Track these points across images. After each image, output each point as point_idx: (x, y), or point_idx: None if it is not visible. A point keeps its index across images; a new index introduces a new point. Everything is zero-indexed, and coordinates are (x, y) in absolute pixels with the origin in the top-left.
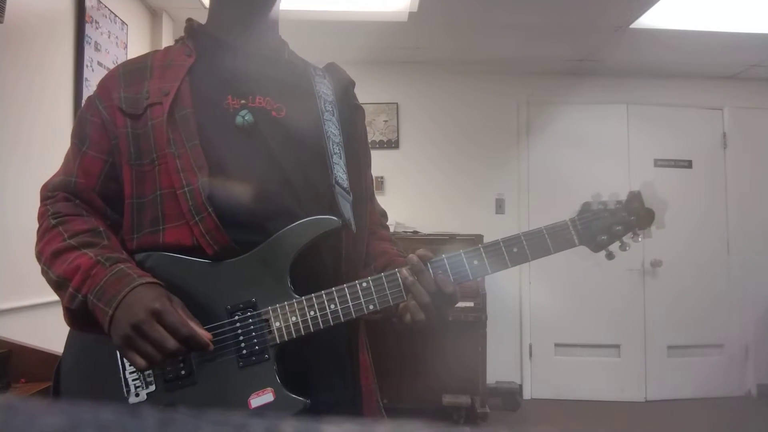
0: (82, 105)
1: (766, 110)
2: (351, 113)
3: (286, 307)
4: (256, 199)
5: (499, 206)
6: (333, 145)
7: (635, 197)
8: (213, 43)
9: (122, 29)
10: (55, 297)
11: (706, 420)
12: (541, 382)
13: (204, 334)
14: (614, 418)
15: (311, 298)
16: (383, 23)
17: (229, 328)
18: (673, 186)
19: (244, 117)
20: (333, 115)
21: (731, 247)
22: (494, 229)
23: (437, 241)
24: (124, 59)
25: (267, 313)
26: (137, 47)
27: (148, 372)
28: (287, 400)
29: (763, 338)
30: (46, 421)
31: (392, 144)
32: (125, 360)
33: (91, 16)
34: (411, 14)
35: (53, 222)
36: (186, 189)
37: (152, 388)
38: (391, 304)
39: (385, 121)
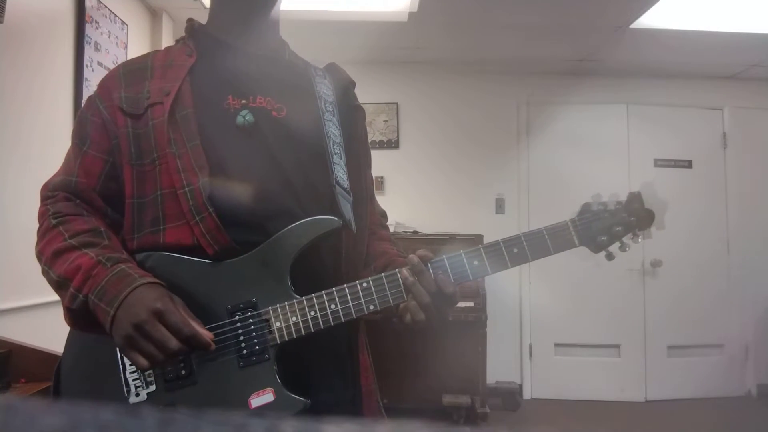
0: (83, 105)
1: (766, 110)
2: (351, 113)
3: (287, 307)
4: (257, 199)
5: (499, 206)
6: (333, 145)
7: (635, 198)
8: (214, 44)
9: (122, 29)
10: (55, 297)
11: (706, 420)
12: (541, 382)
13: (206, 334)
14: (614, 418)
15: (312, 298)
16: (383, 23)
17: (230, 328)
18: (673, 186)
19: (245, 117)
20: (333, 116)
21: (731, 247)
22: (494, 229)
23: (437, 241)
24: (124, 59)
25: (267, 313)
26: (137, 47)
27: (148, 372)
28: (287, 400)
29: (763, 338)
30: (46, 421)
31: (392, 144)
32: (126, 360)
33: (91, 16)
34: (411, 14)
35: (54, 222)
36: (187, 189)
37: (152, 387)
38: (392, 304)
39: (385, 121)
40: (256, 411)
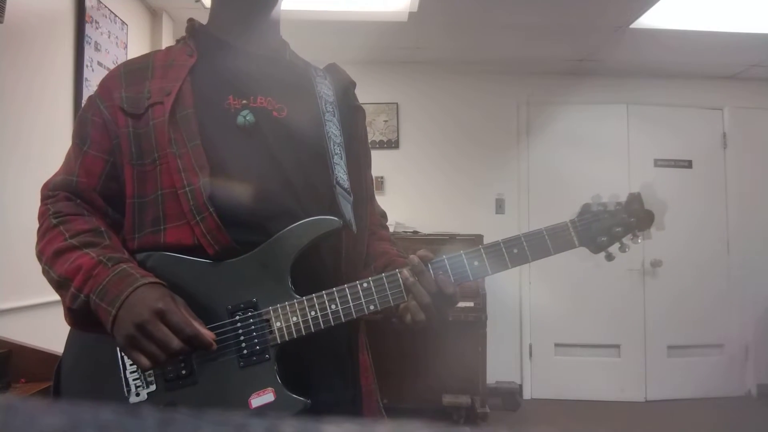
0: (83, 105)
1: (766, 110)
2: (351, 114)
3: (287, 307)
4: (257, 199)
5: (499, 206)
6: (334, 145)
7: (635, 199)
8: (214, 44)
9: (122, 29)
10: (55, 297)
11: (706, 420)
12: (541, 382)
13: (208, 334)
14: (614, 418)
15: (312, 298)
16: (383, 23)
17: (230, 328)
18: (673, 186)
19: (246, 117)
20: (334, 116)
21: (731, 247)
22: (494, 229)
23: (437, 241)
24: (124, 59)
25: (268, 313)
26: (137, 47)
27: (148, 372)
28: (288, 400)
29: (763, 338)
30: (46, 421)
31: (392, 144)
32: (127, 359)
33: (91, 16)
34: (411, 14)
35: (54, 221)
36: (187, 189)
37: (153, 387)
38: (392, 304)
39: (385, 121)
40: (256, 411)
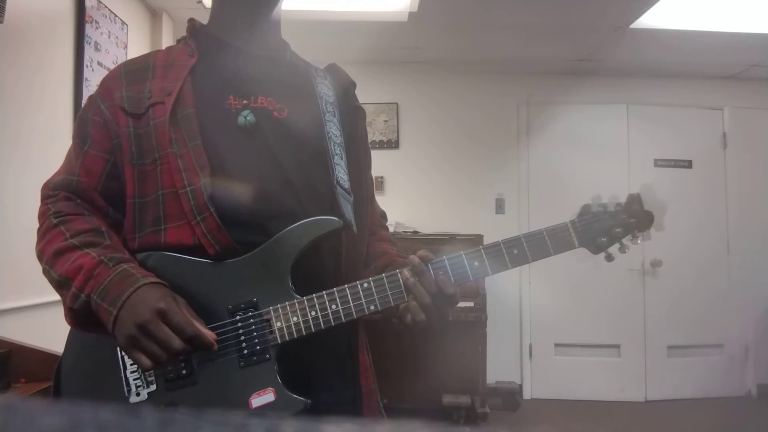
0: (84, 104)
1: (766, 110)
2: (352, 114)
3: (288, 307)
4: (258, 199)
5: (499, 206)
6: (334, 145)
7: (635, 200)
8: (215, 44)
9: (122, 29)
10: (55, 297)
11: (706, 420)
12: (541, 382)
13: (209, 334)
14: (614, 418)
15: (312, 298)
16: (383, 23)
17: (231, 328)
18: (673, 186)
19: (246, 117)
20: (334, 116)
21: (731, 247)
22: (494, 229)
23: (437, 241)
24: (124, 59)
25: (268, 313)
26: (137, 47)
27: (149, 371)
28: (288, 400)
29: (763, 338)
30: (46, 421)
31: (392, 144)
32: (127, 359)
33: (91, 16)
34: (411, 14)
35: (55, 221)
36: (188, 189)
37: (153, 387)
38: (392, 304)
39: (385, 121)
40: (256, 411)
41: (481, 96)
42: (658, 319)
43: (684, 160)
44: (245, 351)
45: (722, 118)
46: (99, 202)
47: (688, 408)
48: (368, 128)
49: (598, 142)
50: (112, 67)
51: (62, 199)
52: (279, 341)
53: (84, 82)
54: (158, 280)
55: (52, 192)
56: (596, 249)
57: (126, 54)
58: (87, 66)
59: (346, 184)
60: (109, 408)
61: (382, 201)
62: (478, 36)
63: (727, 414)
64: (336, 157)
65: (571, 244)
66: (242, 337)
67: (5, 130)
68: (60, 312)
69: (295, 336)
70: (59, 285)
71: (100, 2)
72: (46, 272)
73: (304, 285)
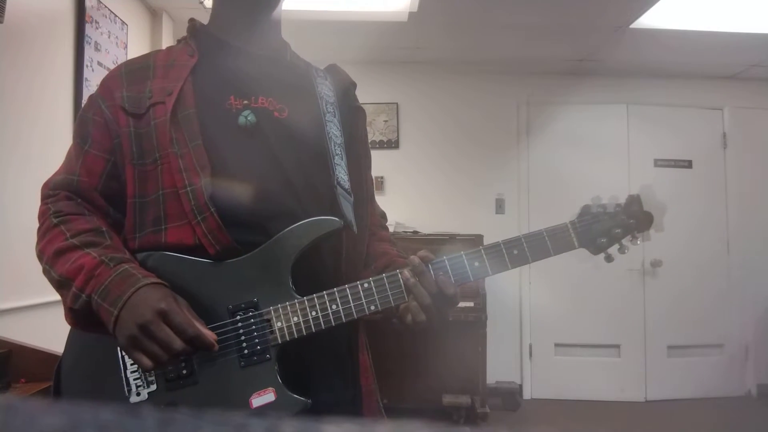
0: (84, 104)
1: (766, 110)
2: (352, 114)
3: (288, 307)
4: (258, 199)
5: (499, 206)
6: (334, 146)
7: (634, 200)
8: (216, 44)
9: (122, 29)
10: (55, 297)
11: (706, 420)
12: (541, 382)
13: (210, 335)
14: (614, 418)
15: (313, 298)
16: (383, 23)
17: (231, 328)
18: (673, 186)
19: (247, 117)
20: (334, 117)
21: (731, 247)
22: (494, 229)
23: (437, 241)
24: (124, 59)
25: (269, 313)
26: (137, 47)
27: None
28: (288, 400)
29: (763, 338)
30: (46, 421)
31: (392, 144)
32: (127, 359)
33: (91, 16)
34: (411, 14)
35: (55, 221)
36: (188, 189)
37: (153, 387)
38: (393, 304)
39: (385, 121)
40: (256, 411)
41: (481, 96)
42: (658, 319)
43: (684, 160)
44: (246, 351)
45: (722, 118)
46: (99, 202)
47: (688, 408)
48: (368, 128)
49: (598, 142)
50: (112, 67)
51: (62, 199)
52: (279, 341)
53: (84, 82)
54: (159, 281)
55: (52, 191)
56: (596, 250)
57: (126, 54)
58: (87, 66)
59: (347, 185)
60: (109, 408)
61: (382, 201)
62: (478, 36)
63: (727, 414)
64: (336, 157)
65: (570, 245)
66: (243, 337)
67: (5, 130)
68: (60, 312)
69: (296, 336)
70: (60, 285)
71: (100, 2)
72: (46, 272)
73: (305, 285)
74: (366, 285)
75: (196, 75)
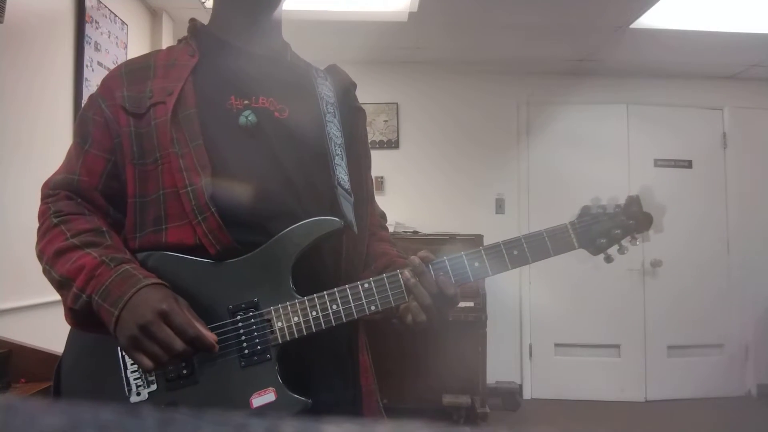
0: (84, 104)
1: (766, 110)
2: (352, 114)
3: (288, 307)
4: (259, 199)
5: (499, 206)
6: (335, 146)
7: (634, 201)
8: (216, 44)
9: (122, 29)
10: (55, 297)
11: (706, 420)
12: (541, 382)
13: (210, 336)
14: (614, 418)
15: (313, 298)
16: (383, 23)
17: (231, 328)
18: (673, 186)
19: (248, 117)
20: (335, 117)
21: (731, 247)
22: (494, 229)
23: (437, 242)
24: (124, 59)
25: (269, 313)
26: (137, 47)
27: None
28: (289, 400)
29: (763, 338)
30: (46, 421)
31: (392, 144)
32: (128, 359)
33: (91, 16)
34: (411, 14)
35: (55, 221)
36: (189, 189)
37: (153, 387)
38: (393, 305)
39: (385, 121)
40: (256, 411)
41: (481, 96)
42: (658, 319)
43: (684, 160)
44: (246, 351)
45: (722, 118)
46: (99, 202)
47: (688, 408)
48: (368, 128)
49: (598, 142)
50: (112, 67)
51: (63, 199)
52: (280, 341)
53: (84, 82)
54: (160, 281)
55: (52, 191)
56: (595, 250)
57: (126, 54)
58: (87, 66)
59: (347, 185)
60: (110, 408)
61: (382, 201)
62: (478, 36)
63: (727, 414)
64: (337, 157)
65: (570, 246)
66: (243, 337)
67: (5, 130)
68: (60, 312)
69: (296, 336)
70: (60, 285)
71: (100, 2)
72: (46, 272)
73: (305, 285)
74: (366, 285)
75: (197, 75)
